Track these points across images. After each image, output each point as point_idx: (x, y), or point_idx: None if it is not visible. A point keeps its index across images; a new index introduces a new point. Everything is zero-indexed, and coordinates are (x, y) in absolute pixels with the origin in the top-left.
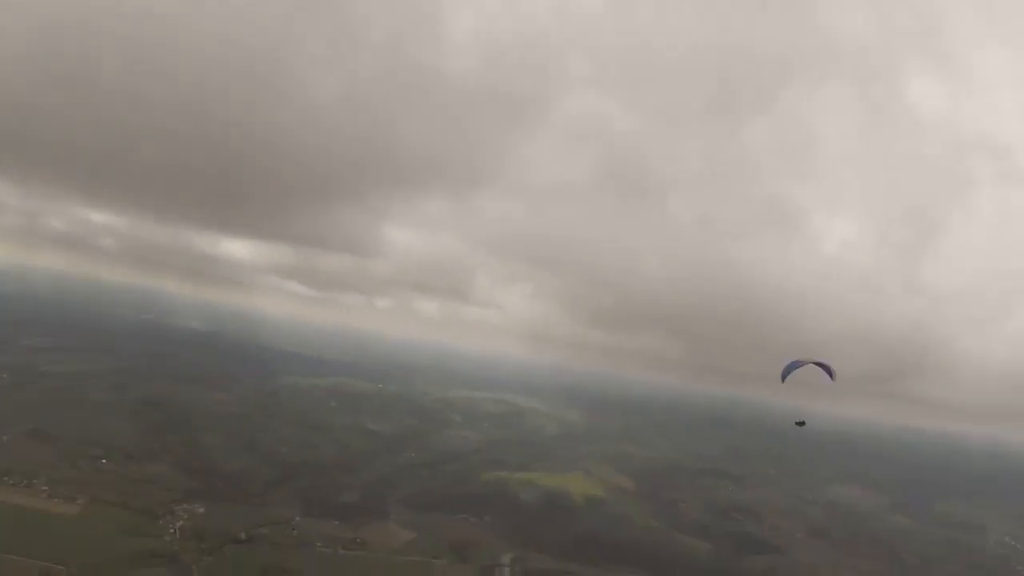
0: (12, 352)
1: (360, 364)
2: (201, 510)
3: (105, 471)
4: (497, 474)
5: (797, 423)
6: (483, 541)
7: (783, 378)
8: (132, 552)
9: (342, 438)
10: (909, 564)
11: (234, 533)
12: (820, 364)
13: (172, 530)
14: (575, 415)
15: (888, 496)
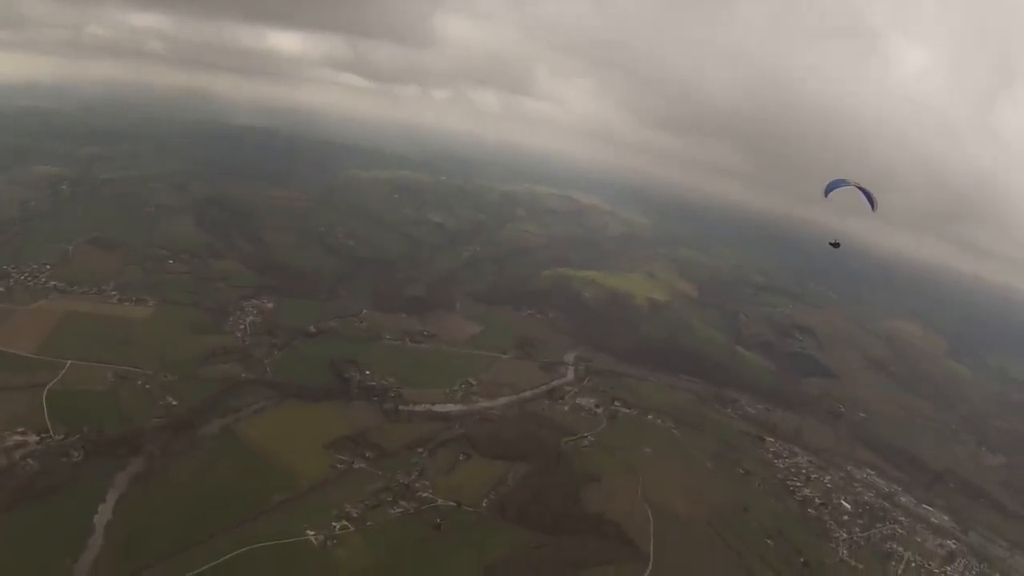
0: (71, 163)
1: (420, 157)
2: (270, 305)
3: (173, 272)
4: (561, 271)
5: (831, 243)
6: (547, 338)
7: (826, 193)
8: (205, 349)
9: (407, 231)
10: (960, 411)
11: (304, 327)
12: (863, 190)
13: (243, 326)
14: (638, 216)
15: (946, 339)
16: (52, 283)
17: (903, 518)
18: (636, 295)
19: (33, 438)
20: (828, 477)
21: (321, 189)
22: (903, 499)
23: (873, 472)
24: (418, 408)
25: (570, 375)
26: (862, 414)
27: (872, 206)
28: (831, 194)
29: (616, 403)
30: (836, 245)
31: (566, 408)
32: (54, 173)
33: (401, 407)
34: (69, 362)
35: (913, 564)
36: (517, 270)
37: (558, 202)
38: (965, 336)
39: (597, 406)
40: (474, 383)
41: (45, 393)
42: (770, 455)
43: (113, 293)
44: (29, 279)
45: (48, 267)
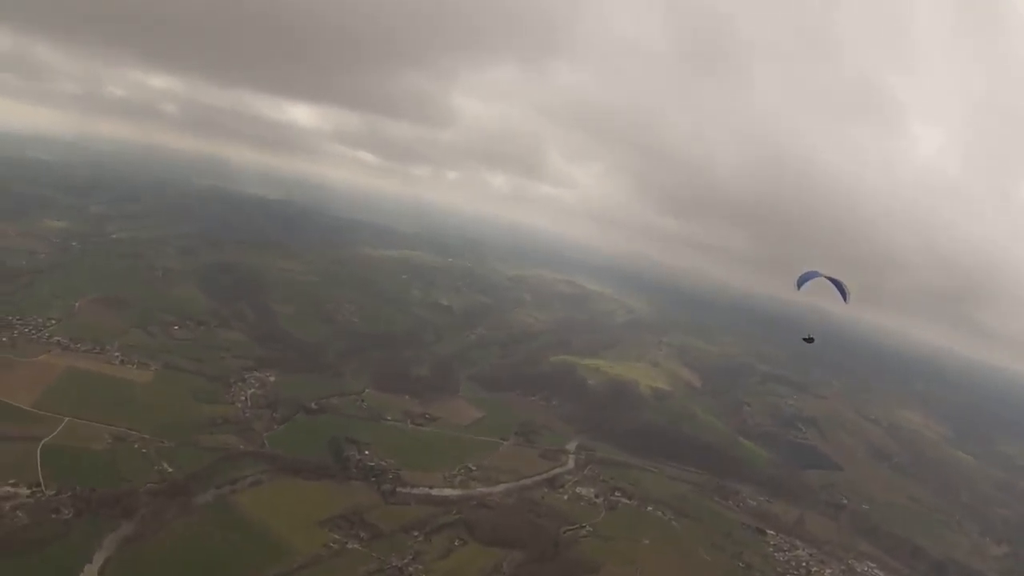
0: (82, 220)
1: (430, 237)
2: (273, 378)
3: (177, 338)
4: (566, 358)
5: (805, 339)
6: (550, 425)
7: (798, 286)
8: (204, 418)
9: (414, 311)
10: (964, 500)
11: (305, 402)
12: (835, 281)
13: (244, 398)
14: (644, 304)
15: (951, 427)
16: (56, 338)
17: None
18: (640, 384)
19: (24, 491)
20: (828, 571)
21: (331, 264)
22: None
23: (874, 564)
24: (416, 491)
25: (571, 463)
26: (864, 505)
27: (844, 298)
28: (804, 287)
29: (616, 493)
30: (810, 340)
31: (565, 497)
32: (65, 228)
33: (399, 489)
34: (67, 418)
35: None
36: (522, 355)
37: (565, 287)
38: (970, 423)
39: (597, 496)
40: (474, 468)
41: (40, 447)
42: (770, 548)
43: (116, 354)
44: (33, 332)
45: (53, 321)
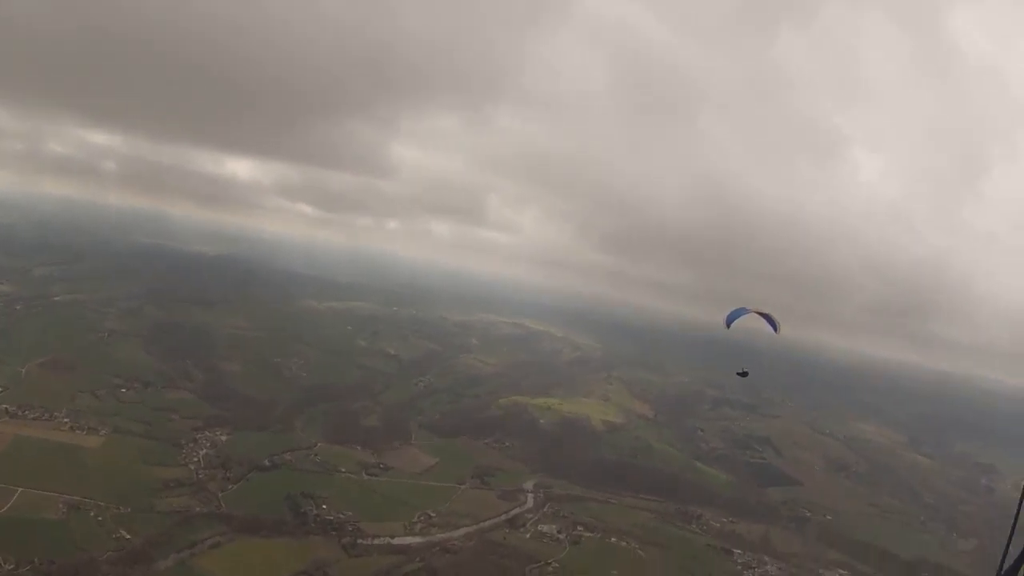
0: (26, 282)
1: (374, 287)
2: (224, 437)
3: (126, 400)
4: (516, 399)
5: (739, 373)
6: (505, 466)
7: (728, 324)
8: (157, 481)
9: (361, 362)
10: (926, 501)
11: (258, 460)
12: (764, 315)
13: (196, 458)
14: (590, 340)
15: (906, 434)
16: (4, 405)
17: None
18: (592, 418)
19: None
20: None
21: (276, 319)
22: None
23: (846, 572)
24: (377, 541)
25: (530, 502)
26: (828, 516)
27: (775, 329)
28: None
29: (578, 528)
30: (744, 374)
31: (528, 536)
32: (8, 291)
33: (360, 541)
34: (20, 489)
35: None
36: (472, 399)
37: (511, 329)
38: (925, 427)
39: (559, 532)
40: (433, 514)
41: None
42: (739, 567)
43: (65, 420)
44: None
45: (0, 389)
